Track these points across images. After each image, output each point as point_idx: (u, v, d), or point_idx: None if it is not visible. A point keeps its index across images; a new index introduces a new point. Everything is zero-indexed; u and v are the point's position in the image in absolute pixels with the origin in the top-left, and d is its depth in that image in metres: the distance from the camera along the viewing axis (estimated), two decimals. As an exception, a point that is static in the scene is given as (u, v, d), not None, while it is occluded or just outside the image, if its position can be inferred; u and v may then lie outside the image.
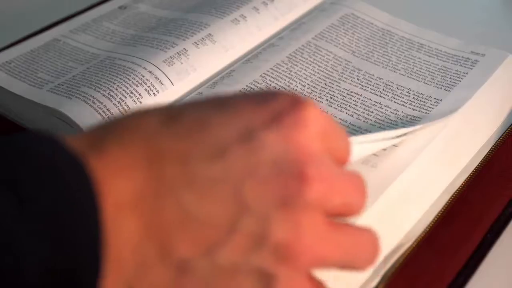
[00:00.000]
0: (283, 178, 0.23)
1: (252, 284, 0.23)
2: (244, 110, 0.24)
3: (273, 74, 0.45)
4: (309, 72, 0.46)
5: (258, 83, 0.44)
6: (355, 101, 0.43)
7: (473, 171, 0.41)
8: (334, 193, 0.24)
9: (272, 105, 0.24)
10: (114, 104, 0.42)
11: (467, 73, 0.44)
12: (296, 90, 0.44)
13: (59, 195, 0.20)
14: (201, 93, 0.44)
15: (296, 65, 0.46)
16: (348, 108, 0.43)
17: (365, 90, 0.44)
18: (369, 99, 0.43)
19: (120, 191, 0.22)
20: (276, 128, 0.24)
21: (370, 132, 0.40)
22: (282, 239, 0.23)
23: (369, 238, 0.27)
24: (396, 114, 0.42)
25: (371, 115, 0.42)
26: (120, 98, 0.43)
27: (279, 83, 0.45)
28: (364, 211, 0.27)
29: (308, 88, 0.45)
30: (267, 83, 0.44)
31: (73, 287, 0.21)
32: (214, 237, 0.22)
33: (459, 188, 0.39)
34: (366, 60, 0.47)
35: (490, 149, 0.42)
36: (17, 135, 0.22)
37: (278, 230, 0.23)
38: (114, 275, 0.22)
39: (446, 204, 0.38)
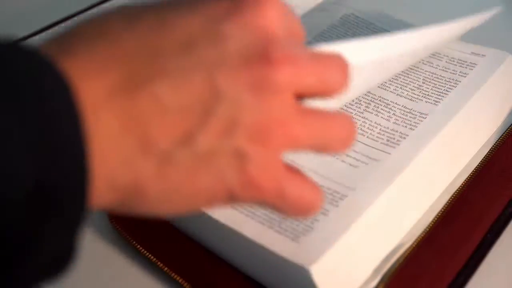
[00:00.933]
0: (251, 63, 0.24)
1: (229, 166, 0.24)
2: (203, 5, 0.25)
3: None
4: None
5: None
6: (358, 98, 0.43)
7: (473, 171, 0.41)
8: (305, 73, 0.25)
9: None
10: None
11: (467, 75, 0.44)
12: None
13: (40, 104, 0.20)
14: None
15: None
16: (360, 104, 0.43)
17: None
18: (369, 92, 0.43)
19: (95, 91, 0.22)
20: (237, 17, 0.25)
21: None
22: (254, 120, 0.24)
23: (343, 120, 0.28)
24: (401, 109, 0.42)
25: (373, 108, 0.42)
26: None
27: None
28: (345, 88, 0.27)
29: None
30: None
31: (60, 193, 0.21)
32: (190, 124, 0.23)
33: (459, 188, 0.39)
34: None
35: (490, 149, 0.42)
36: None
37: (250, 112, 0.24)
38: (99, 173, 0.22)
39: (446, 204, 0.38)
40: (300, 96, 0.26)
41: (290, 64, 0.24)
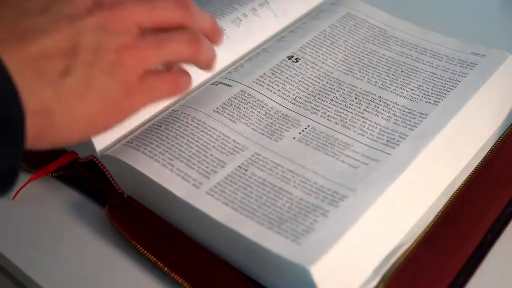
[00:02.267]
0: (92, 11, 0.33)
1: (107, 79, 0.32)
2: None
3: (278, 70, 0.45)
4: (310, 73, 0.46)
5: (267, 76, 0.45)
6: (356, 94, 0.43)
7: (473, 171, 0.41)
8: (138, 11, 0.34)
9: None
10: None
11: (467, 75, 0.44)
12: (293, 91, 0.44)
13: None
14: (216, 83, 0.44)
15: (293, 67, 0.47)
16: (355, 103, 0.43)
17: (372, 84, 0.44)
18: (369, 91, 0.43)
19: None
20: None
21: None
22: (110, 48, 0.32)
23: (184, 33, 0.36)
24: (402, 109, 0.42)
25: (373, 108, 0.42)
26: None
27: (281, 79, 0.45)
28: (186, 21, 0.36)
29: (306, 88, 0.45)
30: (276, 77, 0.44)
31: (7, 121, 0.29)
32: (67, 59, 0.31)
33: (459, 188, 0.39)
34: (369, 59, 0.47)
35: (490, 149, 0.42)
36: None
37: (106, 44, 0.32)
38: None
39: (446, 204, 0.38)
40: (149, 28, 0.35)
41: (122, 7, 0.33)
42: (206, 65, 0.38)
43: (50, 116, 0.31)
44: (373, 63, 0.47)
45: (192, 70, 0.47)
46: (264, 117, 0.42)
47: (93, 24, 0.32)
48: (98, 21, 0.33)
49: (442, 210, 0.38)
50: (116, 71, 0.32)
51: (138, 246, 0.37)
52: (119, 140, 0.42)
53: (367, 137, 0.40)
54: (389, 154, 0.38)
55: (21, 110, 0.29)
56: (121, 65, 0.33)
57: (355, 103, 0.43)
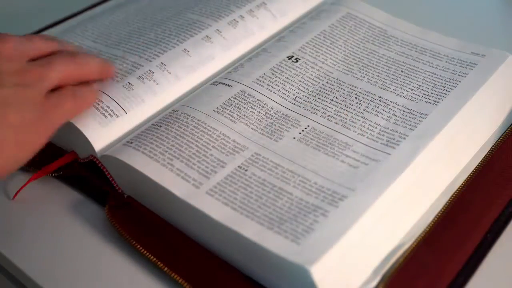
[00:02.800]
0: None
1: (18, 94, 0.36)
2: None
3: (278, 71, 0.45)
4: (310, 73, 0.46)
5: (267, 76, 0.45)
6: (356, 94, 0.43)
7: (473, 171, 0.41)
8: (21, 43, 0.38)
9: None
10: (116, 102, 0.42)
11: (467, 75, 0.44)
12: (293, 91, 0.44)
13: None
14: (216, 83, 0.44)
15: (293, 68, 0.47)
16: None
17: (371, 84, 0.44)
18: (369, 91, 0.43)
19: None
20: None
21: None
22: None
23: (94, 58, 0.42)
24: (402, 109, 0.42)
25: (373, 108, 0.42)
26: (123, 98, 0.43)
27: (280, 79, 0.45)
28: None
29: (306, 89, 0.45)
30: (276, 77, 0.44)
31: None
32: None
33: (459, 188, 0.39)
34: (369, 59, 0.47)
35: (490, 149, 0.42)
36: None
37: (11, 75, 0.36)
38: None
39: (446, 204, 0.38)
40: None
41: (15, 40, 0.38)
42: (100, 75, 0.42)
43: None
44: (373, 63, 0.47)
45: (191, 69, 0.47)
46: (264, 117, 0.42)
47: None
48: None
49: (442, 210, 0.38)
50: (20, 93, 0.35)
51: (138, 246, 0.37)
52: (119, 140, 0.42)
53: (367, 137, 0.40)
54: (389, 154, 0.38)
55: None
56: (24, 85, 0.36)
57: (355, 103, 0.43)
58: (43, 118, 0.36)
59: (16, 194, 0.42)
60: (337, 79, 0.46)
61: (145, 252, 0.37)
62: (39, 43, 0.39)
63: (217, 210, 0.35)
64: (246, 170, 0.38)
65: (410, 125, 0.41)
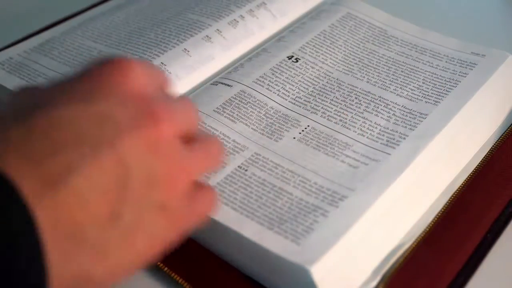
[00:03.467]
0: (140, 126, 0.26)
1: (158, 221, 0.27)
2: (71, 86, 0.27)
3: (278, 70, 0.45)
4: (310, 73, 0.46)
5: (267, 76, 0.45)
6: (356, 94, 0.43)
7: (473, 171, 0.41)
8: (180, 120, 0.29)
9: (96, 76, 0.27)
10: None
11: (467, 75, 0.44)
12: (293, 91, 0.44)
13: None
14: (216, 83, 0.44)
15: (292, 68, 0.47)
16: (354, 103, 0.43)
17: (372, 84, 0.44)
18: (369, 91, 0.43)
19: (26, 187, 0.23)
20: (105, 91, 0.27)
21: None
22: (162, 174, 0.27)
23: (214, 142, 0.32)
24: (402, 109, 0.42)
25: (373, 108, 0.42)
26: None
27: (280, 79, 0.45)
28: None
29: (305, 89, 0.45)
30: (276, 77, 0.44)
31: None
32: (112, 203, 0.25)
33: (459, 188, 0.39)
34: (369, 59, 0.47)
35: (490, 149, 0.42)
36: None
37: (157, 169, 0.27)
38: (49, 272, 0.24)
39: (446, 204, 0.38)
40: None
41: (169, 117, 0.28)
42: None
43: (87, 279, 0.25)
44: (373, 63, 0.47)
45: (191, 69, 0.47)
46: (264, 117, 0.42)
47: (140, 146, 0.26)
48: (145, 140, 0.26)
49: (442, 210, 0.38)
50: (168, 209, 0.28)
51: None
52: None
53: (367, 137, 0.40)
54: (389, 154, 0.38)
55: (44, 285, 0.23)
56: (173, 203, 0.28)
57: (355, 103, 0.43)
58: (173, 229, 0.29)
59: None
60: (337, 79, 0.46)
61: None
62: (195, 124, 0.31)
63: (218, 212, 0.35)
64: (246, 170, 0.38)
65: (410, 125, 0.41)
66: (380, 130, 0.41)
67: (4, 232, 0.22)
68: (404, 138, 0.39)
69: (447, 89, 0.43)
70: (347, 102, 0.43)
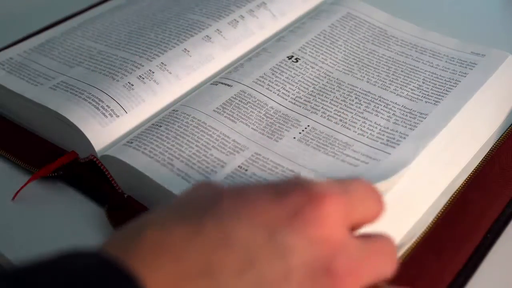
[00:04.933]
0: (316, 279, 0.24)
1: None
2: (263, 211, 0.25)
3: (278, 70, 0.45)
4: (310, 73, 0.46)
5: (267, 76, 0.45)
6: (356, 94, 0.43)
7: (473, 171, 0.41)
8: (365, 275, 0.26)
9: (289, 202, 0.25)
10: (117, 102, 0.42)
11: (467, 74, 0.44)
12: (293, 91, 0.44)
13: None
14: (216, 83, 0.44)
15: (293, 68, 0.47)
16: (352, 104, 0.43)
17: (372, 84, 0.44)
18: (369, 91, 0.43)
19: None
20: (298, 228, 0.24)
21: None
22: None
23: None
24: (402, 109, 0.42)
25: (373, 108, 0.42)
26: (130, 88, 0.43)
27: (280, 79, 0.45)
28: (392, 272, 0.29)
29: (304, 89, 0.45)
30: (276, 77, 0.44)
31: None
32: None
33: (459, 188, 0.39)
34: (369, 59, 0.47)
35: (490, 149, 0.42)
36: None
37: None
38: None
39: (446, 204, 0.38)
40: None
41: (354, 274, 0.25)
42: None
43: None
44: (373, 63, 0.47)
45: (191, 69, 0.47)
46: (264, 117, 0.42)
47: None
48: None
49: (442, 210, 0.38)
50: None
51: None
52: (119, 140, 0.42)
53: (367, 137, 0.40)
54: (389, 153, 0.38)
55: None
56: None
57: (355, 103, 0.43)
58: None
59: (16, 194, 0.42)
60: (337, 79, 0.46)
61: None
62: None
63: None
64: (246, 170, 0.38)
65: (410, 125, 0.41)
66: (380, 129, 0.40)
67: None
68: (404, 138, 0.39)
69: (447, 89, 0.43)
70: (347, 102, 0.43)
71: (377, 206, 0.29)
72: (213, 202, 0.26)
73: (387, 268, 0.28)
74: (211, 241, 0.23)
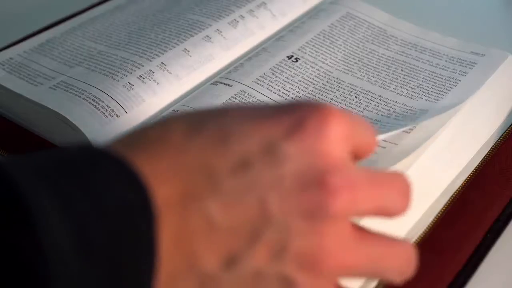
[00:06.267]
0: (307, 190, 0.23)
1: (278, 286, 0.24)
2: (265, 121, 0.24)
3: (277, 70, 0.45)
4: (310, 72, 0.46)
5: (267, 75, 0.45)
6: (356, 93, 0.43)
7: (473, 171, 0.40)
8: (362, 200, 0.25)
9: (292, 115, 0.24)
10: (116, 102, 0.42)
11: (467, 73, 0.44)
12: (293, 91, 0.44)
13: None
14: (216, 82, 0.44)
15: (293, 68, 0.47)
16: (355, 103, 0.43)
17: (371, 84, 0.44)
18: (369, 91, 0.43)
19: (158, 201, 0.22)
20: (297, 138, 0.24)
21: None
22: (305, 249, 0.23)
23: (403, 250, 0.27)
24: (402, 107, 0.42)
25: (373, 107, 0.42)
26: (128, 88, 0.43)
27: (280, 79, 0.45)
28: (405, 212, 0.26)
29: (305, 89, 0.45)
30: (276, 76, 0.44)
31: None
32: (237, 245, 0.23)
33: (459, 188, 0.39)
34: (369, 59, 0.47)
35: (490, 149, 0.42)
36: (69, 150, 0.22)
37: (301, 240, 0.23)
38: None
39: (446, 204, 0.38)
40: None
41: (348, 192, 0.24)
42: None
43: None
44: (372, 63, 0.47)
45: (191, 69, 0.47)
46: (264, 117, 0.42)
47: (296, 208, 0.23)
48: (306, 205, 0.23)
49: (442, 210, 0.38)
50: (297, 286, 0.24)
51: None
52: (119, 140, 0.42)
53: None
54: (389, 153, 0.38)
55: None
56: (303, 285, 0.24)
57: (355, 102, 0.43)
58: None
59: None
60: (337, 78, 0.46)
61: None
62: (387, 205, 0.26)
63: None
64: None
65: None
66: (380, 128, 0.40)
67: (125, 233, 0.21)
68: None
69: (447, 88, 0.43)
70: (347, 102, 0.43)
71: (373, 139, 0.27)
72: (219, 111, 0.25)
73: (395, 203, 0.26)
74: (210, 139, 0.24)
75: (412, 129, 0.40)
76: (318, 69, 0.46)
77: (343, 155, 0.25)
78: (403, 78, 0.45)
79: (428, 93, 0.43)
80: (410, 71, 0.46)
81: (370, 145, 0.27)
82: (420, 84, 0.44)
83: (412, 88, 0.44)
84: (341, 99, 0.43)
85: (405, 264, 0.27)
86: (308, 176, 0.23)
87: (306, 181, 0.23)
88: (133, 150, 0.23)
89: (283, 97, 0.44)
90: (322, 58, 0.47)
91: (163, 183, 0.22)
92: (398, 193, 0.26)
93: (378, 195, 0.25)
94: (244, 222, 0.23)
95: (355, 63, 0.47)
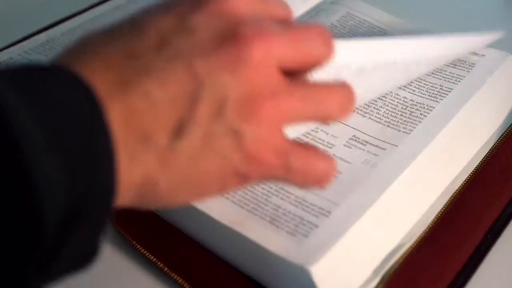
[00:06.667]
0: (224, 45, 0.25)
1: (227, 145, 0.26)
2: (169, 5, 0.27)
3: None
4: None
5: None
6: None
7: (473, 171, 0.41)
8: (280, 44, 0.26)
9: None
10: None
11: (467, 74, 0.44)
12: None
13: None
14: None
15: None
16: None
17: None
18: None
19: (99, 93, 0.24)
20: (202, 7, 0.26)
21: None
22: (239, 98, 0.25)
23: (339, 86, 0.29)
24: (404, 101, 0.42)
25: (380, 106, 0.42)
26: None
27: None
28: (330, 57, 0.28)
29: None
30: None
31: (92, 204, 0.23)
32: (181, 114, 0.25)
33: (459, 188, 0.39)
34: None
35: (490, 149, 0.42)
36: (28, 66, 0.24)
37: (234, 92, 0.25)
38: (118, 177, 0.24)
39: (446, 204, 0.38)
40: (290, 71, 0.27)
41: (261, 38, 0.26)
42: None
43: (153, 186, 0.25)
44: (373, 63, 0.47)
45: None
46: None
47: (219, 63, 0.25)
48: (227, 58, 0.25)
49: (442, 210, 0.38)
50: (241, 137, 0.26)
51: (138, 246, 0.37)
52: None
53: (367, 136, 0.40)
54: (389, 153, 0.38)
55: (111, 191, 0.24)
56: (249, 132, 0.26)
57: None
58: (251, 171, 0.27)
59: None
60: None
61: (145, 252, 0.37)
62: (310, 49, 0.27)
63: (217, 210, 0.35)
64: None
65: (410, 123, 0.40)
66: (380, 127, 0.40)
67: (78, 128, 0.23)
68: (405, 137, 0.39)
69: (447, 88, 0.43)
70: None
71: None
72: (127, 18, 0.27)
73: (317, 48, 0.28)
74: (127, 31, 0.26)
75: (412, 130, 0.40)
76: (318, 69, 0.46)
77: (250, 11, 0.27)
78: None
79: (427, 94, 0.43)
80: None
81: (284, 10, 0.29)
82: (420, 85, 0.44)
83: (412, 87, 0.44)
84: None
85: (344, 98, 0.29)
86: (222, 33, 0.26)
87: (221, 38, 0.26)
88: (72, 61, 0.25)
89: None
90: (322, 58, 0.47)
91: (99, 78, 0.24)
92: (317, 37, 0.28)
93: (296, 39, 0.27)
94: (180, 91, 0.25)
95: (355, 63, 0.47)
